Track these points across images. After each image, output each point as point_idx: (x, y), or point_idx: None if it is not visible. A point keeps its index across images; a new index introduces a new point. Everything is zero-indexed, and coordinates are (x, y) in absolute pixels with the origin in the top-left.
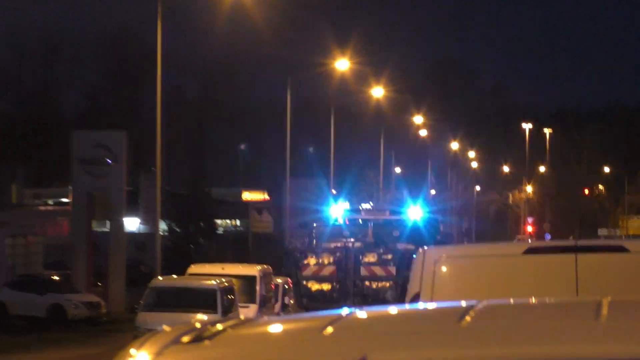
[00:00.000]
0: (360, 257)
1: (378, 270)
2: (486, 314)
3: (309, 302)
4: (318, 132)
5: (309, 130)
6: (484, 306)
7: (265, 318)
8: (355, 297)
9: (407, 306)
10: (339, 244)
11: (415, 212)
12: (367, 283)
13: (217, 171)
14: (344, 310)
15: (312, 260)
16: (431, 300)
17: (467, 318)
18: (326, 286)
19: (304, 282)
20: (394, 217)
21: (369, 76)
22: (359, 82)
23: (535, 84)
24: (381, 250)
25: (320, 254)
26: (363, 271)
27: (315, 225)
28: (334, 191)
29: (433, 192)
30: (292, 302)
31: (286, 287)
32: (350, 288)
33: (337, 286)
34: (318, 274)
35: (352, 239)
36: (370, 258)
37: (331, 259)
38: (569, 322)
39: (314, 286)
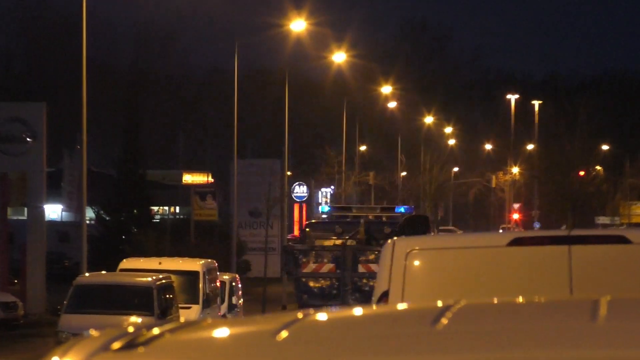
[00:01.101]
0: (357, 254)
1: (375, 267)
2: (465, 315)
3: (308, 298)
4: (270, 105)
5: (259, 103)
6: (463, 306)
7: (210, 320)
8: (354, 294)
9: (374, 307)
10: (334, 242)
11: (405, 209)
12: (364, 280)
13: (153, 150)
14: (301, 312)
15: (311, 258)
16: (402, 299)
17: (443, 320)
18: (325, 283)
19: (303, 280)
20: (384, 214)
21: (329, 39)
22: (317, 46)
23: (521, 50)
24: (378, 248)
25: (319, 252)
26: (360, 268)
27: (307, 222)
28: (289, 173)
29: (404, 174)
30: (240, 302)
31: (234, 284)
32: (349, 284)
33: (336, 283)
34: (318, 271)
35: (346, 237)
36: (368, 255)
37: (330, 257)
38: (561, 323)
39: (313, 283)
